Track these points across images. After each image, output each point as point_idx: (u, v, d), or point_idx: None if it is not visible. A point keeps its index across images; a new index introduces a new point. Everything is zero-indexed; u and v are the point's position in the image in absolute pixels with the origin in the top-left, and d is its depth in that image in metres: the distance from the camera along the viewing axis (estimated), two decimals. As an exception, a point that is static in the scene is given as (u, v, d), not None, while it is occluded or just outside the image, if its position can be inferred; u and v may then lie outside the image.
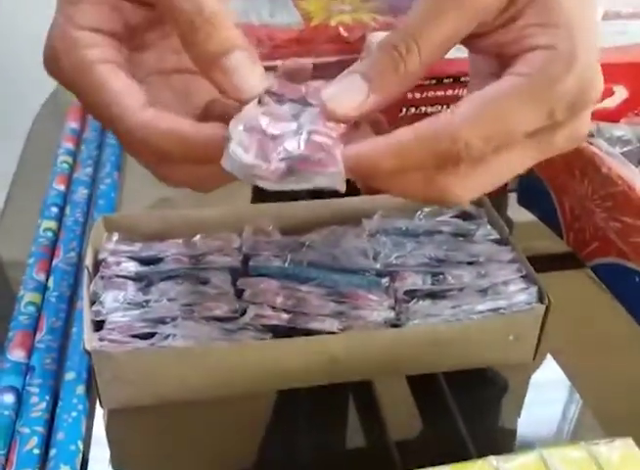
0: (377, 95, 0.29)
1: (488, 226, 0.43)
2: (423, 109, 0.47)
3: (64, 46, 0.31)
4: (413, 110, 0.47)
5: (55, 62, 0.31)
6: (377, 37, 0.49)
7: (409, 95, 0.46)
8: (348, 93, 0.30)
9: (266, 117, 0.30)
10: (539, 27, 0.29)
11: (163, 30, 0.34)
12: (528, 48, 0.29)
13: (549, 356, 0.42)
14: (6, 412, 0.36)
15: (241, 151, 0.28)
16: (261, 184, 0.29)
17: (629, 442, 0.33)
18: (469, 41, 0.31)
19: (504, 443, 0.38)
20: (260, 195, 0.55)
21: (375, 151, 0.29)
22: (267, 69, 0.52)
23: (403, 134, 0.28)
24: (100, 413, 0.37)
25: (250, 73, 0.30)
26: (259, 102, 0.30)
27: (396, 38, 0.29)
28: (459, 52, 0.47)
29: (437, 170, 0.29)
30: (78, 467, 0.34)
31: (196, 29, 0.29)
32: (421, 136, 0.28)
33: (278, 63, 0.50)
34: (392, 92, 0.30)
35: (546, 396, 0.41)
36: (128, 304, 0.38)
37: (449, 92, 0.47)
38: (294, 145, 0.29)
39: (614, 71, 0.49)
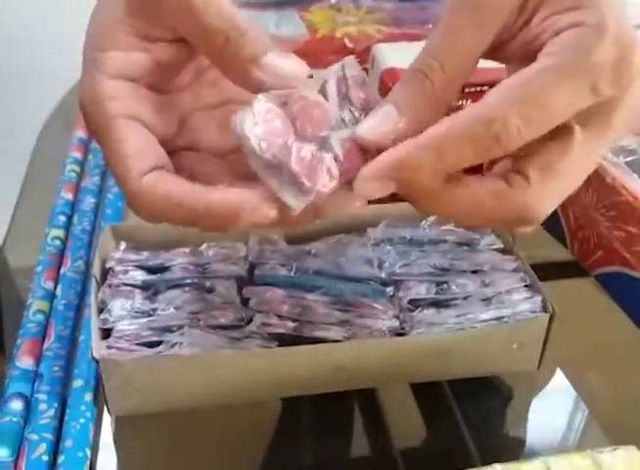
0: (408, 119, 0.29)
1: (492, 235, 0.43)
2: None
3: (89, 95, 0.31)
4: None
5: (83, 109, 0.31)
6: (381, 48, 0.49)
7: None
8: (381, 120, 0.29)
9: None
10: (558, 15, 0.28)
11: (196, 69, 0.34)
12: (554, 34, 0.28)
13: (553, 365, 0.42)
14: (15, 419, 0.36)
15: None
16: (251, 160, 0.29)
17: (633, 450, 0.33)
18: (495, 53, 0.30)
19: (509, 451, 0.38)
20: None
21: (408, 149, 0.28)
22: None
23: (435, 128, 0.27)
24: (107, 420, 0.38)
25: (289, 62, 0.30)
26: None
27: (419, 61, 0.29)
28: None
29: (504, 185, 0.29)
30: (86, 474, 0.34)
31: (232, 41, 0.30)
32: (454, 125, 0.27)
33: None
34: (423, 115, 0.29)
35: (551, 404, 0.41)
36: (135, 312, 0.38)
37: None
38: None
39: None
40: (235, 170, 0.33)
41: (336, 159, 0.29)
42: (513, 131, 0.27)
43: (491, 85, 0.46)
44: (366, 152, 0.30)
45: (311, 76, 0.31)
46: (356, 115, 0.31)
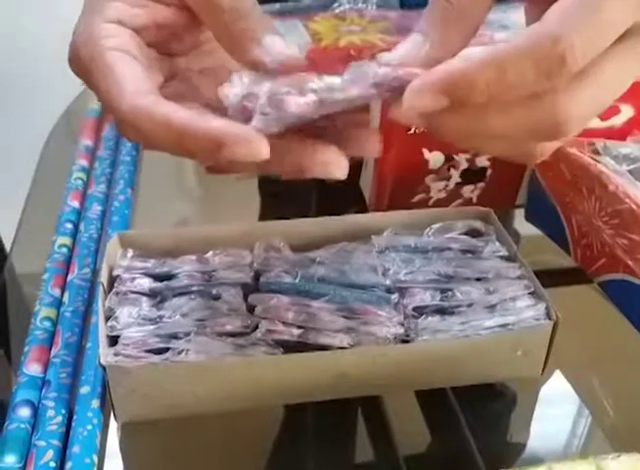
0: (433, 42, 0.29)
1: (497, 243, 0.44)
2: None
3: (84, 38, 0.32)
4: (422, 128, 0.48)
5: (75, 54, 0.32)
6: (385, 57, 0.49)
7: (418, 114, 0.47)
8: (407, 47, 0.30)
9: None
10: None
11: (194, 39, 0.35)
12: None
13: (557, 372, 0.42)
14: (22, 426, 0.36)
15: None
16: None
17: (637, 456, 0.33)
18: None
19: (513, 457, 0.39)
20: (270, 212, 0.56)
21: (470, 65, 0.26)
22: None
23: (499, 47, 0.26)
24: (114, 427, 0.38)
25: (287, 46, 0.32)
26: None
27: None
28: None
29: (541, 86, 0.27)
30: (93, 480, 0.34)
31: (237, 17, 0.31)
32: (519, 45, 0.26)
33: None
34: (449, 37, 0.29)
35: (554, 410, 0.42)
36: (142, 319, 0.38)
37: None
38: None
39: (620, 90, 0.50)
40: None
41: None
42: (578, 54, 0.26)
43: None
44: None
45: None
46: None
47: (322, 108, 0.29)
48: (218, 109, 0.31)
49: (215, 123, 0.28)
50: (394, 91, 0.29)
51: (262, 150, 0.28)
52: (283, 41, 0.32)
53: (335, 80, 0.30)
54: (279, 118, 0.29)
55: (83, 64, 0.32)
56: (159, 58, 0.34)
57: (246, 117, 0.29)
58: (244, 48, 0.31)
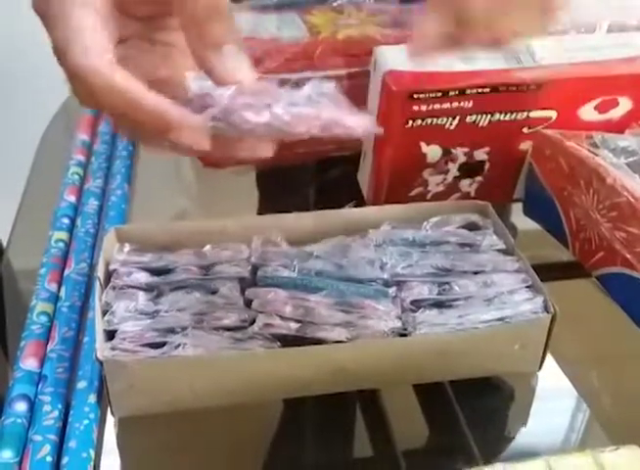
0: None
1: (494, 236, 0.44)
2: (429, 121, 0.48)
3: None
4: (419, 122, 0.48)
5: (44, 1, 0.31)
6: (383, 51, 0.49)
7: (415, 107, 0.47)
8: None
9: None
10: None
11: (157, 10, 0.35)
12: None
13: (555, 365, 0.42)
14: (19, 420, 0.36)
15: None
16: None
17: (635, 449, 0.33)
18: None
19: (511, 451, 0.39)
20: (268, 206, 0.56)
21: None
22: (278, 82, 0.53)
23: None
24: (111, 421, 0.38)
25: (243, 63, 0.32)
26: None
27: None
28: (464, 65, 0.48)
29: None
30: (90, 474, 0.34)
31: (208, 14, 0.31)
32: None
33: (287, 76, 0.52)
34: None
35: (552, 404, 0.42)
36: (139, 313, 0.38)
37: (455, 104, 0.47)
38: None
39: (618, 83, 0.50)
40: None
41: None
42: None
43: (493, 87, 0.47)
44: None
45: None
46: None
47: (269, 129, 0.31)
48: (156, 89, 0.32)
49: (171, 107, 0.30)
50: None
51: (204, 143, 0.31)
52: (243, 61, 0.32)
53: (293, 106, 0.32)
54: (228, 129, 0.31)
55: (45, 8, 0.31)
56: (118, 16, 0.34)
57: (203, 110, 0.31)
58: (204, 49, 0.32)
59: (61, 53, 0.31)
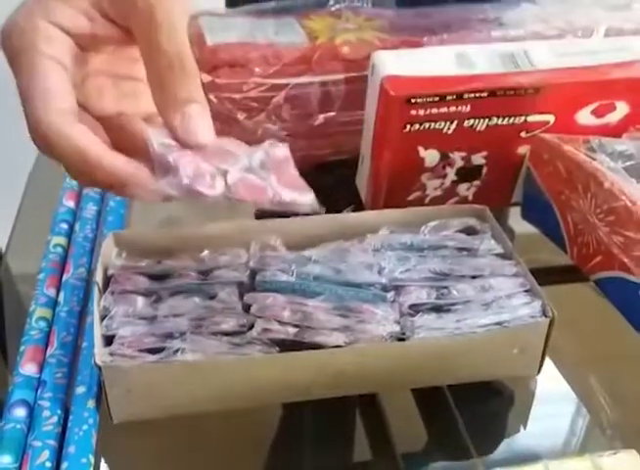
0: None
1: (492, 241, 0.44)
2: (427, 125, 0.48)
3: (24, 27, 0.32)
4: (417, 126, 0.48)
5: (9, 35, 0.32)
6: (381, 56, 0.50)
7: (412, 112, 0.47)
8: None
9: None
10: None
11: (122, 43, 0.35)
12: None
13: (554, 369, 0.42)
14: (18, 426, 0.36)
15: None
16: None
17: (634, 453, 0.33)
18: None
19: (510, 455, 0.39)
20: (265, 211, 0.56)
21: None
22: (275, 86, 0.54)
23: None
24: (110, 427, 0.38)
25: (203, 124, 0.33)
26: None
27: None
28: (461, 70, 0.48)
29: None
30: (89, 480, 0.34)
31: (172, 73, 0.32)
32: None
33: (285, 81, 0.52)
34: None
35: (551, 408, 0.42)
36: (138, 318, 0.38)
37: (452, 109, 0.48)
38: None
39: (615, 87, 0.50)
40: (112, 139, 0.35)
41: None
42: None
43: (490, 92, 0.47)
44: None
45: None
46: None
47: (221, 198, 0.34)
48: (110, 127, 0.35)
49: (123, 165, 0.32)
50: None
51: (159, 200, 0.33)
52: (205, 122, 0.33)
53: (247, 172, 0.35)
54: (182, 195, 0.33)
55: (14, 51, 0.32)
56: (80, 55, 0.35)
57: (160, 169, 0.33)
58: (166, 103, 0.33)
59: (24, 101, 0.32)
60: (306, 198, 0.35)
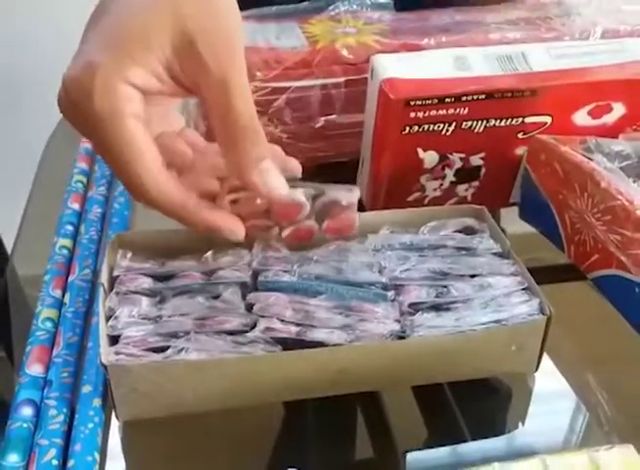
0: None
1: (490, 240, 0.44)
2: (425, 127, 0.49)
3: (104, 88, 0.32)
4: (416, 128, 0.48)
5: (86, 96, 0.33)
6: (380, 59, 0.50)
7: (412, 114, 0.48)
8: None
9: None
10: None
11: (177, 95, 0.37)
12: None
13: (552, 366, 0.42)
14: (25, 425, 0.37)
15: None
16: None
17: (630, 448, 0.33)
18: None
19: (509, 451, 0.39)
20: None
21: None
22: (277, 90, 0.54)
23: None
24: (116, 425, 0.38)
25: (278, 178, 0.37)
26: None
27: None
28: (460, 72, 0.49)
29: None
30: (95, 477, 0.35)
31: (246, 133, 0.35)
32: None
33: (286, 84, 0.52)
34: None
35: (549, 405, 0.42)
36: (143, 318, 0.39)
37: (451, 111, 0.48)
38: None
39: (612, 88, 0.50)
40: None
41: None
42: None
43: (488, 94, 0.48)
44: None
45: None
46: None
47: None
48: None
49: (212, 218, 0.37)
50: None
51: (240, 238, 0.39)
52: (274, 170, 0.36)
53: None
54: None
55: (96, 115, 0.33)
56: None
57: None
58: (241, 163, 0.35)
59: (128, 180, 0.35)
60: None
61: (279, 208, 0.39)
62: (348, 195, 0.41)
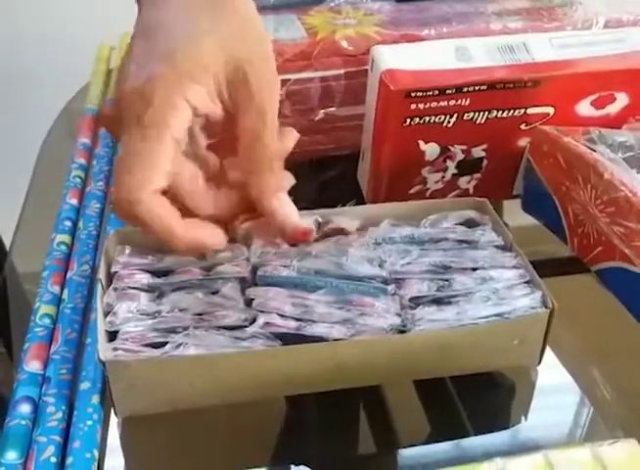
0: None
1: (492, 233, 0.44)
2: (427, 119, 0.48)
3: (164, 98, 0.34)
4: (417, 120, 0.48)
5: (145, 105, 0.33)
6: (380, 50, 0.50)
7: (412, 106, 0.47)
8: None
9: None
10: None
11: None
12: None
13: (555, 359, 0.42)
14: (23, 422, 0.37)
15: None
16: None
17: (633, 442, 0.33)
18: None
19: (511, 445, 0.39)
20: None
21: None
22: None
23: None
24: (114, 422, 0.38)
25: (292, 207, 0.39)
26: None
27: None
28: (461, 63, 0.48)
29: None
30: (94, 474, 0.35)
31: (272, 165, 0.37)
32: None
33: (286, 76, 0.52)
34: None
35: (552, 399, 0.42)
36: (141, 314, 0.39)
37: (452, 102, 0.48)
38: None
39: (615, 78, 0.50)
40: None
41: None
42: None
43: (490, 85, 0.47)
44: None
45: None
46: None
47: None
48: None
49: (199, 235, 0.37)
50: None
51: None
52: (292, 204, 0.39)
53: None
54: None
55: (141, 121, 0.33)
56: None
57: None
58: (267, 193, 0.37)
59: (124, 161, 0.34)
60: None
61: (289, 234, 0.40)
62: (351, 223, 0.44)
